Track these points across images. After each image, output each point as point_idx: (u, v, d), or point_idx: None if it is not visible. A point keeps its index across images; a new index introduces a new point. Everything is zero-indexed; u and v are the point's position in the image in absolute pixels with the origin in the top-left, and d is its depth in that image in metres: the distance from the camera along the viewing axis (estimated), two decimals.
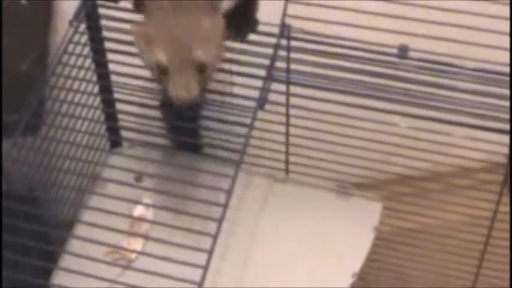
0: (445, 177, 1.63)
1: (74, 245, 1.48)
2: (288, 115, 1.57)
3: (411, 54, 1.41)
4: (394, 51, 1.41)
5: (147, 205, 1.54)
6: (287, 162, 1.66)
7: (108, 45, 1.56)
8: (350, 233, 1.58)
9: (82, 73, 1.51)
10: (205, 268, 1.22)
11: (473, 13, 1.34)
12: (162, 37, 1.30)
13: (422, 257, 1.72)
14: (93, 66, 1.56)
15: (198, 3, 1.31)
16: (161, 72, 1.30)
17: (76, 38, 1.51)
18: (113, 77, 1.60)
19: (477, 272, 1.63)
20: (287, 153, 1.65)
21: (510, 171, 1.51)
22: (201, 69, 1.29)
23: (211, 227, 1.25)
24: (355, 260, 1.55)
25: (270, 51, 1.43)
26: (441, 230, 1.67)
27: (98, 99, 1.60)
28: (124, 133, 1.70)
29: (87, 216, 1.45)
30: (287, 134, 1.61)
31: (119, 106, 1.63)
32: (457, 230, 1.64)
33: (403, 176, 1.63)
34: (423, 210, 1.62)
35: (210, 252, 1.23)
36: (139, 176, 1.58)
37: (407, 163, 1.56)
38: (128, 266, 1.47)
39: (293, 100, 1.53)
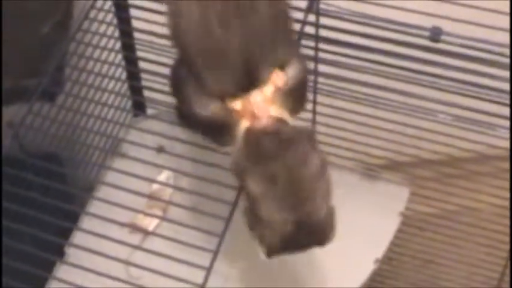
0: (468, 164, 1.57)
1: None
2: (315, 92, 1.52)
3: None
4: (426, 33, 1.34)
5: (167, 178, 1.52)
6: None
7: (134, 12, 1.52)
8: (374, 218, 1.53)
9: (104, 41, 1.47)
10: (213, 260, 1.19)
11: None
12: None
13: (449, 245, 1.66)
14: (116, 33, 1.52)
15: None
16: None
17: (99, 3, 1.46)
18: (138, 44, 1.55)
19: (506, 264, 1.57)
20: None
21: (510, 167, 1.45)
22: None
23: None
24: (378, 246, 1.51)
25: (296, 27, 1.35)
26: (468, 219, 1.61)
27: (120, 70, 1.56)
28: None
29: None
30: (314, 112, 1.55)
31: (144, 76, 1.59)
32: (485, 219, 1.58)
33: (428, 161, 1.57)
34: (448, 197, 1.56)
35: (221, 236, 1.20)
36: (160, 147, 1.55)
37: (433, 148, 1.50)
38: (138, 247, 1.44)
39: (320, 79, 1.48)
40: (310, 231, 1.15)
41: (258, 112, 1.15)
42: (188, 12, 1.16)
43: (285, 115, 1.17)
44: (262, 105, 1.15)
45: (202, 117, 1.19)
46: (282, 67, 1.17)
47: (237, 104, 1.15)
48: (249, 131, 1.15)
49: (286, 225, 1.12)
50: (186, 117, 1.27)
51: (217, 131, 1.19)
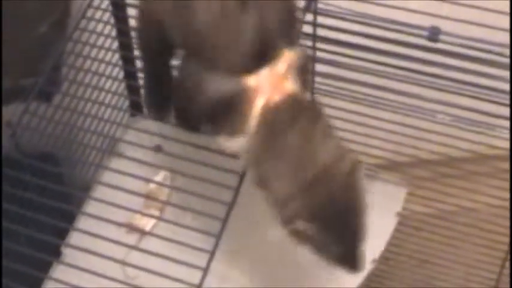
0: (466, 164, 1.57)
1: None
2: (313, 92, 1.51)
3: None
4: (425, 33, 1.34)
5: (164, 178, 1.52)
6: None
7: (131, 12, 1.51)
8: (371, 218, 1.52)
9: (101, 40, 1.46)
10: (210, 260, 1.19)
11: None
12: None
13: (446, 245, 1.66)
14: (113, 33, 1.52)
15: None
16: None
17: (96, 2, 1.46)
18: (135, 45, 1.54)
19: (503, 265, 1.57)
20: None
21: (510, 168, 1.45)
22: None
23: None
24: (375, 246, 1.50)
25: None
26: (466, 219, 1.61)
27: (117, 69, 1.55)
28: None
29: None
30: None
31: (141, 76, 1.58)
32: (482, 220, 1.58)
33: (426, 161, 1.57)
34: (445, 197, 1.57)
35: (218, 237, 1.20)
36: (157, 146, 1.54)
37: (431, 148, 1.50)
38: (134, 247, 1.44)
39: (318, 78, 1.49)
40: (336, 187, 1.16)
41: (273, 87, 1.17)
42: (206, 5, 1.19)
43: (298, 90, 1.19)
44: (276, 79, 1.17)
45: (214, 101, 1.20)
46: (291, 49, 1.20)
47: (252, 80, 1.17)
48: (265, 107, 1.17)
49: (309, 189, 1.14)
50: (189, 114, 1.29)
51: (229, 115, 1.20)
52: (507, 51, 1.31)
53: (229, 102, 1.19)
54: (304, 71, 1.24)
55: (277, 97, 1.17)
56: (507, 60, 1.32)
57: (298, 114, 1.17)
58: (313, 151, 1.16)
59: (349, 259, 1.19)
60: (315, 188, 1.15)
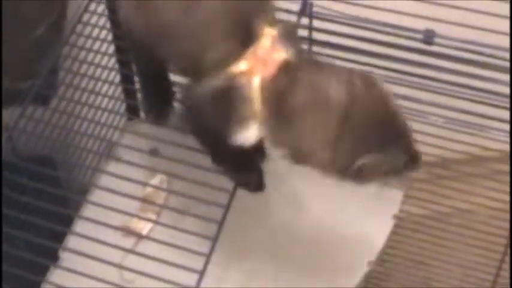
0: (461, 166, 1.57)
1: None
2: None
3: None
4: (420, 36, 1.34)
5: (161, 181, 1.53)
6: None
7: None
8: (368, 220, 1.53)
9: (97, 44, 1.47)
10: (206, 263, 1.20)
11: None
12: None
13: (442, 247, 1.66)
14: (109, 37, 1.52)
15: None
16: None
17: (92, 6, 1.46)
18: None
19: (499, 266, 1.57)
20: None
21: (510, 169, 1.46)
22: None
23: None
24: (371, 248, 1.51)
25: None
26: (461, 220, 1.61)
27: (114, 73, 1.56)
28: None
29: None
30: None
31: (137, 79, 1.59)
32: (478, 221, 1.58)
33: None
34: (441, 199, 1.57)
35: (214, 239, 1.20)
36: (154, 150, 1.54)
37: (426, 150, 1.50)
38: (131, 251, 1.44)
39: None
40: (366, 108, 1.14)
41: (264, 63, 1.16)
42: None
43: (291, 56, 1.18)
44: (265, 55, 1.16)
45: (215, 101, 1.19)
46: (271, 24, 1.19)
47: (241, 65, 1.16)
48: (263, 84, 1.16)
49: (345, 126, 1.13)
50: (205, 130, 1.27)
51: (233, 107, 1.18)
52: (499, 53, 1.31)
53: (228, 95, 1.18)
54: (293, 38, 1.22)
55: (271, 71, 1.16)
56: (500, 62, 1.32)
57: (297, 71, 1.16)
58: (325, 92, 1.14)
59: (414, 158, 1.18)
60: (349, 122, 1.13)
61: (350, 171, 1.14)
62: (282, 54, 1.17)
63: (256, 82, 1.16)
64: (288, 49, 1.17)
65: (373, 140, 1.13)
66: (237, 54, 1.16)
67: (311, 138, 1.15)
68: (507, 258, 1.55)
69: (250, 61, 1.16)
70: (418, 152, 1.17)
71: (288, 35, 1.19)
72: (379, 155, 1.13)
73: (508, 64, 1.32)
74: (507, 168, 1.52)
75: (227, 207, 1.23)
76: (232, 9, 1.16)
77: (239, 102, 1.17)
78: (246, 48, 1.16)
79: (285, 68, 1.16)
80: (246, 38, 1.16)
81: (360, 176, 1.15)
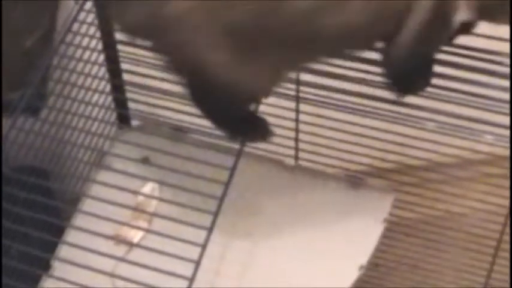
0: (451, 169, 1.58)
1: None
2: (298, 102, 1.52)
3: None
4: None
5: (152, 189, 1.53)
6: (297, 149, 1.61)
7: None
8: (358, 224, 1.53)
9: (87, 54, 1.47)
10: (198, 263, 1.21)
11: None
12: None
13: (434, 250, 1.67)
14: (99, 46, 1.52)
15: None
16: None
17: (82, 16, 1.47)
18: (122, 57, 1.56)
19: (490, 269, 1.58)
20: (296, 139, 1.60)
21: (510, 170, 1.46)
22: None
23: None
24: (362, 252, 1.51)
25: None
26: (453, 224, 1.62)
27: (104, 83, 1.56)
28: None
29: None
30: (297, 121, 1.56)
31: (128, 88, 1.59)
32: (470, 224, 1.59)
33: (412, 167, 1.58)
34: (432, 202, 1.58)
35: (206, 242, 1.21)
36: (145, 159, 1.55)
37: (417, 154, 1.51)
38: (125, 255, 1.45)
39: (303, 88, 1.49)
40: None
41: None
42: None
43: None
44: None
45: None
46: None
47: None
48: None
49: None
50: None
51: None
52: (489, 57, 1.32)
53: None
54: None
55: None
56: (490, 66, 1.33)
57: None
58: None
59: None
60: None
61: None
62: None
63: None
64: None
65: None
66: None
67: None
68: (498, 260, 1.56)
69: None
70: None
71: None
72: None
73: (497, 68, 1.33)
74: (497, 171, 1.53)
75: (216, 214, 1.23)
76: None
77: None
78: None
79: None
80: None
81: None
